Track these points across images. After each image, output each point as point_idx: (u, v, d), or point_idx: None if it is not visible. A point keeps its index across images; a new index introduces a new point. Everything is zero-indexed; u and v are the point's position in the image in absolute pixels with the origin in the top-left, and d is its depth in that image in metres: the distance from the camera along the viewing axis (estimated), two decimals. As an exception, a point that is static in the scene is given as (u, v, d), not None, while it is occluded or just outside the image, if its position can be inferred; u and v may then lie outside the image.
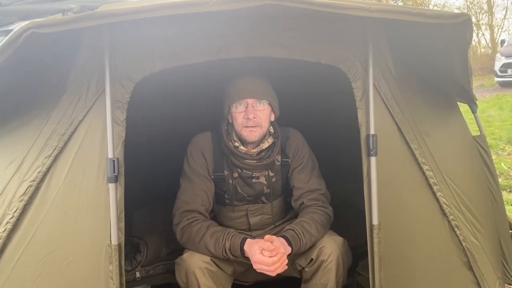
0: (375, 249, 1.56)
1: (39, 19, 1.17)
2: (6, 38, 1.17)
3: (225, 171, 1.92)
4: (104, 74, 1.44)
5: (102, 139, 1.46)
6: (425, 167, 1.70)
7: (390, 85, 1.66)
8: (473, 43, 20.92)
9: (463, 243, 1.75)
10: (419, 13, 1.29)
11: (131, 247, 2.24)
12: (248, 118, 1.79)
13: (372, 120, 1.58)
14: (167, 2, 1.20)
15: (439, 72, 1.87)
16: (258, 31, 1.56)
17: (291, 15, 1.42)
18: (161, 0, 1.29)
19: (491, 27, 20.32)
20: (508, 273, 2.13)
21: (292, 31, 1.56)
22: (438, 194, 1.72)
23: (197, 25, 1.47)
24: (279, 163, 1.97)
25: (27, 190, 1.48)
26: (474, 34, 20.53)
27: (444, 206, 1.73)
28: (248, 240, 1.69)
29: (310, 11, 1.27)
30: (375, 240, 1.56)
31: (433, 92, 1.95)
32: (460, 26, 1.40)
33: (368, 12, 1.25)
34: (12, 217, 1.48)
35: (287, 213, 2.09)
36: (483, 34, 21.02)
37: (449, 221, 1.73)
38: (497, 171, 4.46)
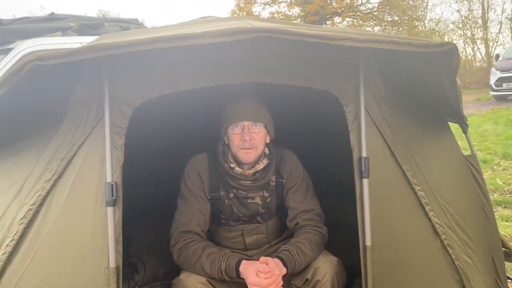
0: (368, 269, 1.59)
1: (41, 51, 1.21)
2: (8, 70, 1.21)
3: (221, 192, 1.95)
4: (103, 101, 1.48)
5: (101, 164, 1.49)
6: (417, 188, 1.73)
7: (381, 108, 1.70)
8: (469, 57, 21.21)
9: (456, 262, 1.77)
10: (406, 43, 1.34)
11: (129, 267, 2.25)
12: (244, 140, 1.84)
13: (364, 143, 1.62)
14: (165, 35, 1.25)
15: (430, 92, 1.91)
16: (253, 58, 1.61)
17: (284, 43, 1.47)
18: (158, 32, 1.34)
19: (486, 41, 20.57)
20: (502, 290, 2.15)
21: (285, 57, 1.62)
22: (431, 214, 1.74)
23: (193, 52, 1.52)
24: (274, 183, 2.00)
25: (27, 214, 1.50)
26: (470, 48, 20.80)
27: (437, 226, 1.75)
28: (244, 262, 1.72)
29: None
30: (368, 261, 1.59)
31: (425, 112, 1.99)
32: (447, 53, 1.45)
33: (357, 42, 1.30)
34: (12, 240, 1.50)
35: (282, 232, 2.12)
36: (478, 48, 21.28)
37: (441, 240, 1.75)
38: (492, 186, 4.51)
